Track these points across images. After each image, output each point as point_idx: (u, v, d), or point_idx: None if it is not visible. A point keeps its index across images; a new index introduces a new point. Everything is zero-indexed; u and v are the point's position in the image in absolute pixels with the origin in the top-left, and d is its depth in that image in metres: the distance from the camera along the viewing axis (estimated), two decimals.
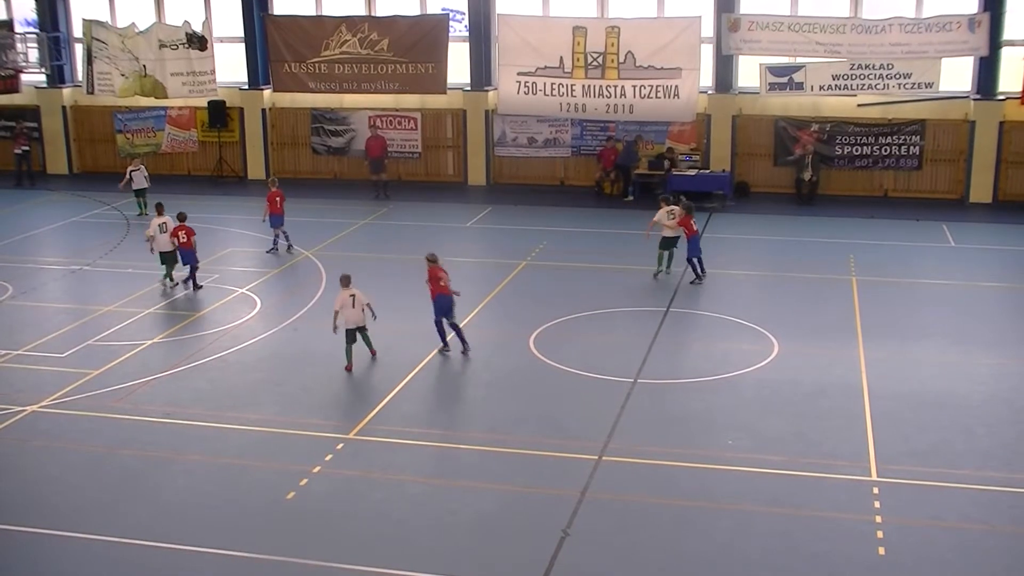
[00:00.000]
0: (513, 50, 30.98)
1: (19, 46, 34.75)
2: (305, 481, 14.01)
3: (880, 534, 12.55)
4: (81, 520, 13.11)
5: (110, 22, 34.77)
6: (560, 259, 24.78)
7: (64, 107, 36.16)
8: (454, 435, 15.89)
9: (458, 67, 32.75)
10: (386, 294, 20.93)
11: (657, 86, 30.26)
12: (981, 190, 30.04)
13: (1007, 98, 29.59)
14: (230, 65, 34.48)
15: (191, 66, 33.40)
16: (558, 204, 30.70)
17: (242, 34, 34.25)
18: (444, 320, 18.28)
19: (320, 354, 18.55)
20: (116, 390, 17.13)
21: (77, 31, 35.30)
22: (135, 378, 17.62)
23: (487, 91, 32.94)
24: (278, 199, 25.06)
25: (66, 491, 13.96)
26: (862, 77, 29.40)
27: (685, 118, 30.89)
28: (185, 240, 22.34)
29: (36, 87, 36.27)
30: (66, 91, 36.17)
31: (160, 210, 23.10)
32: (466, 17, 32.82)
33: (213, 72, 33.55)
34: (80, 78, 35.31)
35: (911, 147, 30.53)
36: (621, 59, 30.36)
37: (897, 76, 29.17)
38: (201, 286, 22.53)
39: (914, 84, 29.20)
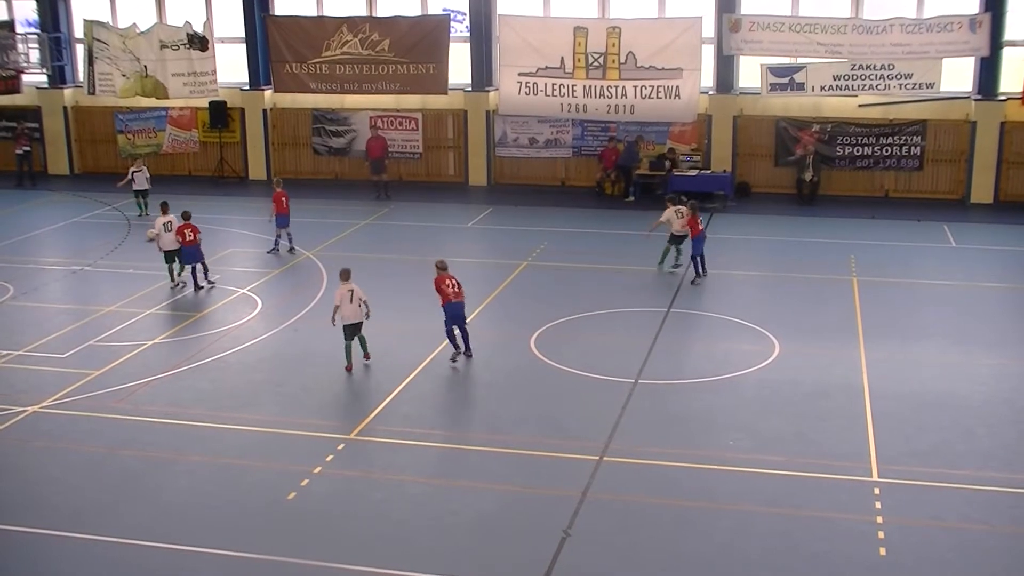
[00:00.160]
0: (514, 50, 30.99)
1: (20, 47, 34.76)
2: (306, 482, 14.02)
3: (881, 534, 12.55)
4: (82, 520, 13.12)
5: (111, 23, 34.79)
6: (561, 259, 24.78)
7: (65, 107, 36.18)
8: (455, 435, 15.91)
9: (459, 67, 32.75)
10: (387, 294, 20.95)
11: (658, 86, 30.26)
12: (982, 190, 30.03)
13: (1008, 98, 29.58)
14: (231, 65, 34.50)
15: (192, 66, 33.41)
16: (559, 205, 30.70)
17: (243, 34, 34.27)
18: (455, 327, 17.97)
19: (321, 355, 18.55)
20: (117, 391, 17.13)
21: (78, 32, 35.32)
22: (136, 379, 17.63)
23: (488, 91, 32.95)
24: (284, 199, 25.05)
25: (67, 491, 13.97)
26: (863, 77, 29.39)
27: (686, 118, 30.89)
28: (191, 238, 22.39)
29: (37, 88, 36.30)
30: (67, 92, 36.19)
31: (164, 209, 23.12)
32: (467, 17, 32.82)
33: (214, 72, 33.57)
34: (81, 79, 35.33)
35: (912, 147, 30.53)
36: (622, 59, 30.36)
37: (898, 76, 29.16)
38: (202, 287, 22.55)
39: (915, 84, 29.19)
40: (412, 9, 33.28)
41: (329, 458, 14.69)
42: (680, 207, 23.23)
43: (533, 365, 18.27)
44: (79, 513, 13.32)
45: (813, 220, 28.51)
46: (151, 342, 19.46)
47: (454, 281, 17.84)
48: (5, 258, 25.25)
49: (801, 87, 29.81)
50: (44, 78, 36.25)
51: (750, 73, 30.97)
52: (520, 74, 31.06)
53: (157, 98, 34.06)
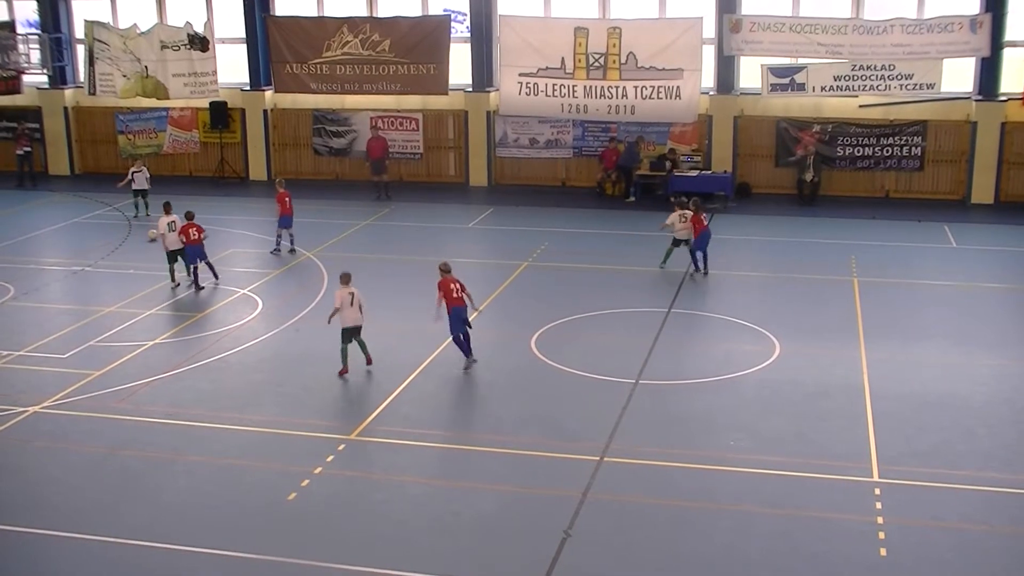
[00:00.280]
0: (514, 51, 30.99)
1: (21, 47, 34.75)
2: (306, 482, 14.02)
3: (881, 535, 12.55)
4: (82, 521, 13.13)
5: (112, 23, 34.78)
6: (562, 260, 24.78)
7: (66, 108, 36.19)
8: (456, 436, 15.92)
9: (460, 68, 32.74)
10: (387, 295, 20.97)
11: (659, 87, 30.25)
12: (983, 191, 30.02)
13: (1009, 99, 29.58)
14: (232, 66, 34.50)
15: (193, 67, 33.41)
16: (560, 205, 30.70)
17: (244, 35, 34.27)
18: (461, 333, 17.81)
19: (321, 355, 18.54)
20: (117, 391, 17.14)
21: (79, 32, 35.31)
22: (136, 379, 17.64)
23: (488, 92, 32.95)
24: (287, 199, 25.05)
25: (67, 492, 13.97)
26: (864, 78, 29.38)
27: (687, 119, 30.88)
28: (195, 237, 22.46)
29: (38, 88, 36.30)
30: (68, 92, 36.20)
31: (168, 209, 23.14)
32: (467, 18, 32.82)
33: (215, 73, 33.57)
34: (82, 79, 35.34)
35: (913, 148, 30.52)
36: (623, 60, 30.36)
37: (899, 77, 29.15)
38: (203, 287, 22.57)
39: (916, 85, 29.18)
40: (413, 9, 33.28)
41: (329, 458, 14.70)
42: (685, 211, 23.32)
43: (534, 365, 18.27)
44: (79, 513, 13.33)
45: (814, 220, 28.51)
46: (152, 342, 19.46)
47: (458, 285, 17.70)
48: (6, 258, 25.25)
49: (802, 88, 29.81)
50: (45, 79, 36.26)
51: (751, 73, 30.96)
52: (521, 74, 31.06)
53: (158, 99, 34.06)
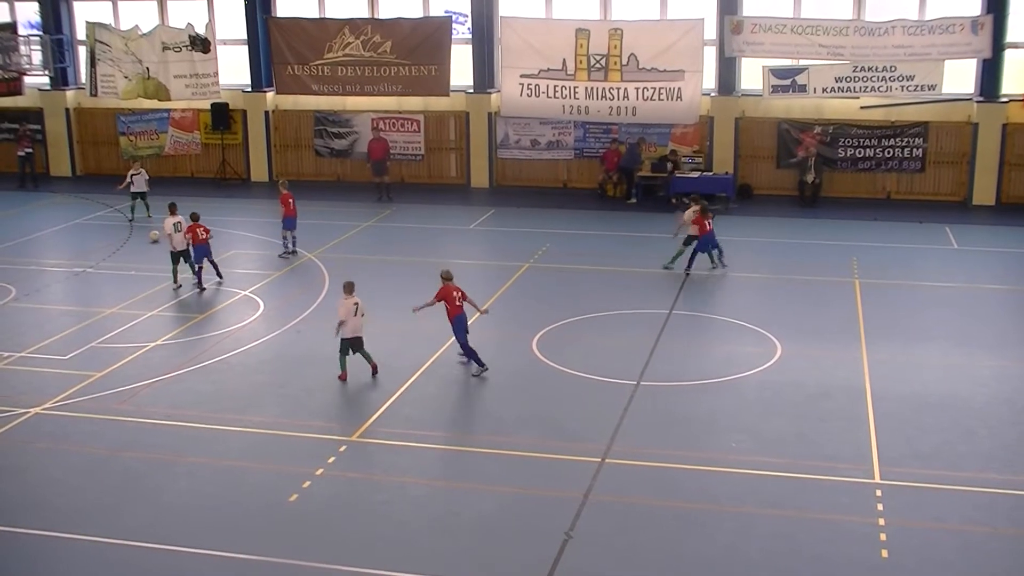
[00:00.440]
0: (516, 52, 30.99)
1: (23, 48, 34.73)
2: (308, 483, 14.02)
3: (883, 536, 12.54)
4: (83, 522, 13.13)
5: (113, 24, 34.80)
6: (563, 261, 24.78)
7: (67, 109, 36.21)
8: (457, 437, 15.92)
9: (461, 69, 32.75)
10: (388, 296, 20.97)
11: (660, 88, 30.26)
12: (984, 192, 30.01)
13: (1010, 100, 29.59)
14: (233, 67, 34.51)
15: (194, 68, 33.41)
16: (561, 206, 30.70)
17: (245, 36, 34.31)
18: (467, 338, 17.72)
19: (323, 356, 18.53)
20: (119, 392, 17.14)
21: (80, 34, 35.30)
22: (138, 380, 17.64)
23: (490, 93, 32.96)
24: (291, 201, 25.04)
25: (68, 493, 13.98)
26: (865, 79, 29.37)
27: (688, 120, 30.88)
28: (203, 237, 22.58)
29: (39, 89, 36.32)
30: (69, 93, 36.22)
31: (173, 210, 23.16)
32: (469, 19, 32.83)
33: (216, 74, 33.57)
34: (83, 80, 35.36)
35: (914, 149, 30.52)
36: (624, 61, 30.37)
37: (900, 78, 29.13)
38: (204, 288, 22.59)
39: (917, 86, 29.17)
40: (414, 11, 33.28)
41: (331, 460, 14.70)
42: (697, 207, 23.44)
43: (535, 367, 18.27)
44: (80, 514, 13.33)
45: (815, 222, 28.51)
46: (153, 344, 19.46)
47: (459, 293, 17.59)
48: (7, 260, 25.26)
49: (803, 89, 29.79)
50: (46, 80, 36.27)
51: (752, 75, 30.96)
52: (522, 76, 31.07)
53: (159, 100, 34.07)
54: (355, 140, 34.24)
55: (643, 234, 27.38)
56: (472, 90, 33.17)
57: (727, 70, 31.18)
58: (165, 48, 33.32)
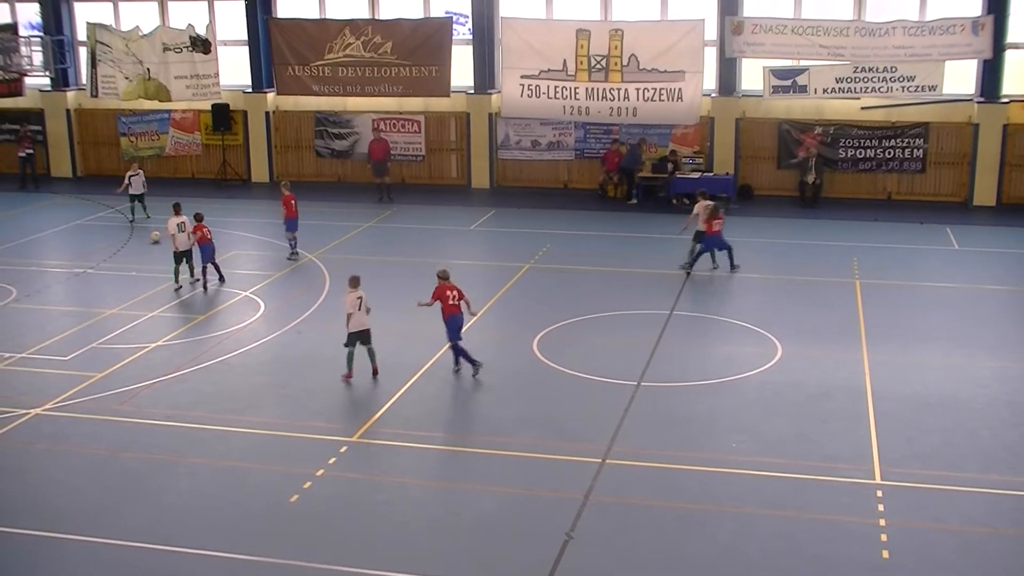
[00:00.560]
0: (516, 53, 30.98)
1: (23, 49, 34.76)
2: (308, 484, 14.02)
3: (883, 537, 12.54)
4: (83, 522, 13.13)
5: (114, 25, 34.82)
6: (563, 262, 24.78)
7: (68, 110, 36.22)
8: (457, 438, 15.92)
9: (461, 70, 32.75)
10: (389, 296, 20.95)
11: (660, 89, 30.25)
12: (985, 193, 30.01)
13: (1011, 101, 29.58)
14: (234, 68, 34.51)
15: (195, 69, 33.39)
16: (561, 207, 30.70)
17: (246, 37, 34.33)
18: (459, 340, 17.62)
19: (324, 357, 18.56)
20: (119, 393, 17.15)
21: (81, 34, 35.30)
22: (138, 381, 17.65)
23: (490, 94, 32.97)
24: (292, 202, 25.03)
25: (69, 494, 13.98)
26: (865, 80, 29.37)
27: (688, 121, 30.87)
28: (209, 237, 22.69)
29: (40, 90, 36.33)
30: (70, 94, 36.24)
31: (177, 210, 23.18)
32: (469, 20, 32.84)
33: (217, 75, 33.54)
34: (84, 81, 35.38)
35: (915, 150, 30.52)
36: (624, 62, 30.36)
37: (901, 79, 29.13)
38: (207, 285, 22.63)
39: (918, 87, 29.16)
40: (414, 12, 33.29)
41: (332, 460, 14.70)
42: (708, 202, 23.56)
43: (535, 367, 18.27)
44: (81, 515, 13.34)
45: (816, 222, 28.51)
46: (154, 345, 19.47)
47: (455, 292, 17.53)
48: (8, 260, 25.27)
49: (803, 89, 29.78)
50: (47, 81, 36.28)
51: (752, 75, 30.96)
52: (522, 76, 31.05)
53: (160, 101, 34.06)
54: (356, 141, 34.25)
55: (644, 235, 27.39)
56: (473, 91, 33.17)
57: (728, 71, 31.18)
58: (166, 49, 33.31)
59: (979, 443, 15.07)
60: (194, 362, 18.54)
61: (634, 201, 31.13)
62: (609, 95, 30.62)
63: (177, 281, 22.83)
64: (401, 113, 33.84)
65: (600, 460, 14.57)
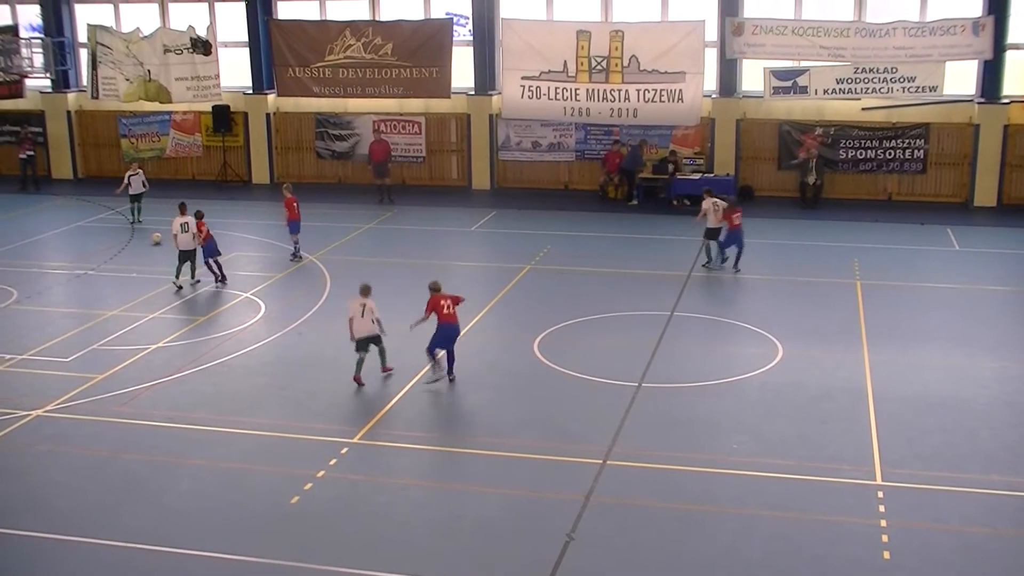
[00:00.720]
0: (517, 54, 31.00)
1: (24, 51, 34.79)
2: (309, 485, 14.02)
3: (884, 538, 12.54)
4: (84, 523, 13.14)
5: (115, 27, 34.83)
6: (564, 263, 24.79)
7: (69, 112, 36.22)
8: (458, 439, 15.91)
9: (462, 71, 32.76)
10: (389, 298, 20.90)
11: (661, 90, 30.26)
12: (985, 194, 30.01)
13: (1011, 101, 29.58)
14: (234, 70, 34.52)
15: (195, 71, 33.41)
16: (562, 208, 30.70)
17: (246, 39, 34.34)
18: (439, 349, 17.46)
19: (325, 358, 18.57)
20: (120, 394, 17.15)
21: (82, 36, 35.32)
22: (139, 382, 17.65)
23: (491, 95, 32.97)
24: (295, 204, 25.02)
25: (69, 495, 13.98)
26: (866, 81, 29.37)
27: (689, 122, 30.88)
28: (208, 234, 22.85)
29: (41, 92, 36.34)
30: (71, 96, 36.25)
31: (183, 210, 23.21)
32: (470, 21, 32.85)
33: (217, 77, 33.55)
34: (85, 83, 35.40)
35: (915, 151, 30.52)
36: (625, 63, 30.37)
37: (901, 80, 29.13)
38: (198, 280, 22.88)
39: (918, 88, 29.17)
40: (415, 13, 33.29)
41: (332, 462, 14.70)
42: (716, 199, 23.74)
43: (536, 369, 18.27)
44: (82, 516, 13.34)
45: (816, 223, 28.50)
46: (154, 346, 19.47)
47: (448, 302, 17.37)
48: (9, 262, 25.28)
49: (804, 90, 29.79)
50: (48, 82, 36.30)
51: (753, 76, 30.96)
52: (523, 78, 31.06)
53: (160, 102, 34.09)
54: (356, 142, 34.25)
55: (644, 236, 27.40)
56: (473, 92, 33.17)
57: (728, 72, 31.18)
58: (166, 50, 33.33)
59: (980, 444, 15.07)
60: (195, 363, 18.54)
61: (635, 202, 31.13)
62: (610, 96, 30.64)
63: (177, 278, 22.84)
64: (402, 114, 33.84)
65: (601, 461, 14.57)
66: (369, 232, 28.24)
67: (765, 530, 12.79)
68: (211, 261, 22.97)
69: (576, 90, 30.81)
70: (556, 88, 30.92)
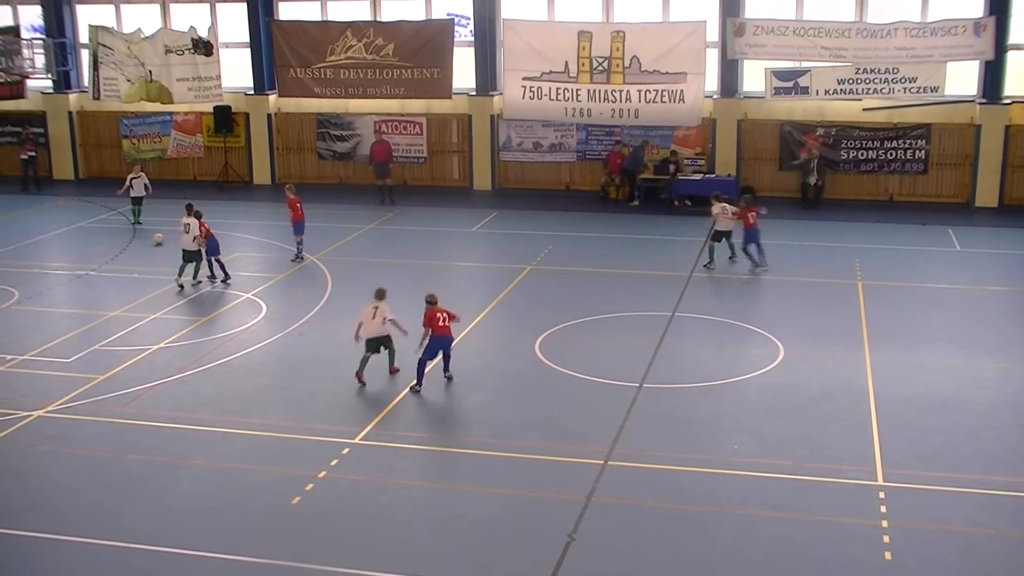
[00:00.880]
0: (518, 55, 31.00)
1: (26, 52, 34.82)
2: (310, 486, 14.02)
3: (886, 538, 12.53)
4: (85, 524, 13.14)
5: (116, 28, 34.84)
6: (565, 264, 24.78)
7: (70, 112, 36.23)
8: (459, 439, 15.91)
9: (463, 72, 32.76)
10: (390, 299, 20.88)
11: (662, 91, 30.26)
12: (987, 194, 29.99)
13: (1013, 102, 29.56)
14: (236, 70, 34.51)
15: (197, 71, 33.42)
16: (563, 209, 30.69)
17: (248, 39, 34.34)
18: (430, 361, 17.37)
19: (326, 359, 18.57)
20: (121, 395, 17.15)
21: (83, 37, 35.33)
22: (140, 383, 17.65)
23: (492, 96, 32.97)
24: (298, 205, 25.03)
25: (71, 495, 13.99)
26: (867, 81, 29.37)
27: (690, 122, 30.88)
28: (209, 233, 22.95)
29: (42, 93, 36.34)
30: (72, 96, 36.26)
31: (189, 210, 23.25)
32: (471, 22, 32.85)
33: (219, 77, 33.55)
34: (86, 84, 35.41)
35: (917, 151, 30.51)
36: (626, 64, 30.38)
37: (902, 80, 29.12)
38: (200, 281, 22.95)
39: (919, 88, 29.17)
40: (416, 14, 33.29)
41: (333, 462, 14.70)
42: (725, 204, 23.89)
43: (537, 369, 18.27)
44: (83, 517, 13.34)
45: (817, 224, 28.48)
46: (156, 346, 19.47)
47: (444, 315, 17.27)
48: (10, 262, 25.29)
49: (805, 91, 29.78)
50: (49, 83, 36.30)
51: (754, 77, 30.95)
52: (524, 78, 31.07)
53: (162, 103, 34.10)
54: (358, 143, 34.25)
55: (645, 236, 27.39)
56: (474, 93, 33.17)
57: (729, 72, 31.18)
58: (168, 51, 33.34)
59: (981, 444, 15.07)
60: (196, 364, 18.55)
61: (636, 203, 31.12)
62: (611, 97, 30.64)
63: (180, 276, 22.88)
64: (403, 115, 33.84)
65: (602, 462, 14.57)
66: (370, 233, 28.25)
67: (766, 531, 12.78)
68: (212, 260, 23.01)
69: (577, 91, 30.82)
70: (557, 89, 30.93)
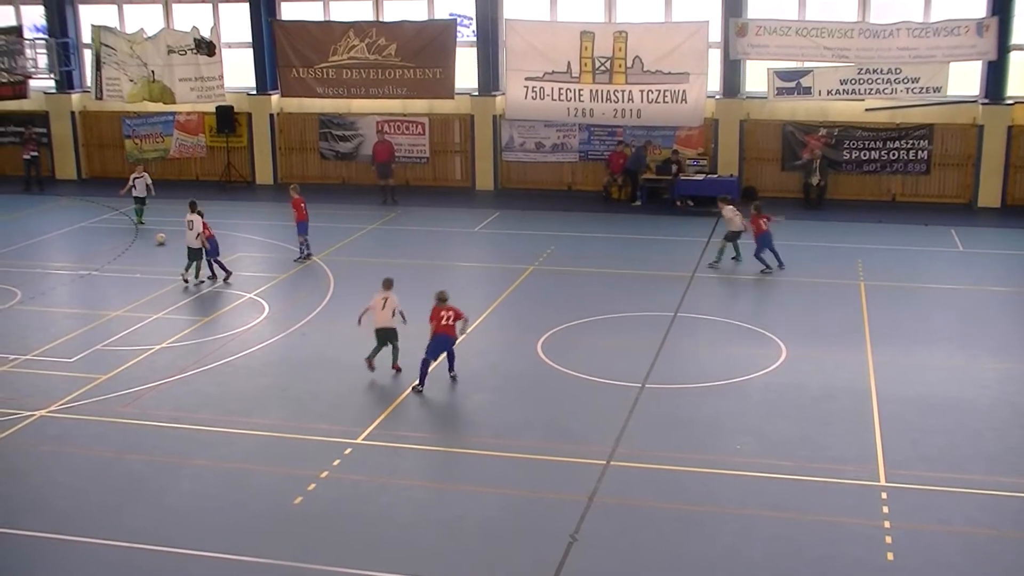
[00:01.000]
0: (521, 55, 31.02)
1: (28, 52, 34.85)
2: (312, 486, 14.02)
3: (888, 539, 12.52)
4: (86, 524, 13.14)
5: (119, 28, 34.87)
6: (568, 264, 24.78)
7: (73, 112, 36.27)
8: (461, 439, 15.91)
9: (466, 72, 32.78)
10: None
11: (665, 91, 30.28)
12: (989, 195, 29.98)
13: (1015, 102, 29.56)
14: (238, 70, 34.55)
15: (199, 71, 33.46)
16: (566, 209, 30.69)
17: (250, 39, 34.38)
18: (433, 360, 17.38)
19: (328, 359, 18.58)
20: (124, 395, 17.16)
21: (86, 37, 35.40)
22: (143, 383, 17.66)
23: (495, 96, 32.98)
24: (302, 205, 25.04)
25: (72, 495, 13.99)
26: (870, 81, 29.37)
27: (693, 123, 30.89)
28: (209, 232, 23.00)
29: (45, 93, 36.40)
30: (75, 96, 36.30)
31: (193, 207, 23.30)
32: (474, 22, 32.87)
33: (221, 77, 33.60)
34: (89, 84, 35.44)
35: (919, 151, 30.50)
36: (629, 64, 30.39)
37: (905, 80, 29.13)
38: (215, 278, 22.93)
39: (922, 88, 29.17)
40: (419, 14, 33.31)
41: (335, 462, 14.70)
42: (731, 207, 24.19)
43: (539, 369, 18.27)
44: (84, 516, 13.34)
45: (820, 224, 28.47)
46: (158, 346, 19.48)
47: (450, 313, 17.25)
48: (13, 262, 25.31)
49: (808, 91, 29.79)
50: (52, 83, 36.35)
51: (757, 77, 30.95)
52: (527, 79, 31.10)
53: (164, 103, 34.14)
54: (360, 143, 34.27)
55: (648, 237, 27.39)
56: (477, 93, 33.18)
57: (732, 72, 31.18)
58: (170, 51, 33.37)
59: (983, 445, 15.05)
60: (198, 364, 18.55)
61: (638, 203, 31.13)
62: (613, 97, 30.66)
63: (186, 272, 22.99)
64: (405, 115, 33.86)
65: (604, 462, 14.56)
66: (373, 233, 28.25)
67: (768, 531, 12.77)
68: (211, 261, 23.03)
69: (580, 91, 30.84)
70: (560, 89, 30.94)
